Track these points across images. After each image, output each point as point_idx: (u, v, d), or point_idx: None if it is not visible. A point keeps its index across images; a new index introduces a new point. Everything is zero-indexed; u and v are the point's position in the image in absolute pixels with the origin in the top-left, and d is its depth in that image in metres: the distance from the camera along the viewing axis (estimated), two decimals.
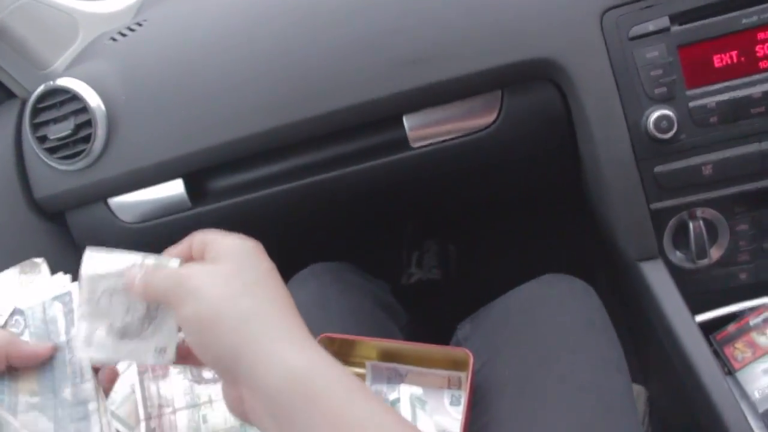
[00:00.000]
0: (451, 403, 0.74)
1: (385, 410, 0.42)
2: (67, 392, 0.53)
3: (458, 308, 0.95)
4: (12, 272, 0.58)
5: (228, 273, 0.46)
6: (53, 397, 0.53)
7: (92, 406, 0.53)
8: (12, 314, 0.55)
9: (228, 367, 0.45)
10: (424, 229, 1.57)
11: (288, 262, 0.79)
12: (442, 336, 0.88)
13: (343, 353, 0.78)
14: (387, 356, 0.77)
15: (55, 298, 0.55)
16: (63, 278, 0.57)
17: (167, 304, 0.48)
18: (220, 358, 0.45)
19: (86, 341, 0.49)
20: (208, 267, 0.47)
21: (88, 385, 0.53)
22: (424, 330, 0.95)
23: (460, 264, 1.57)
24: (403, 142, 0.89)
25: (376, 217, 1.20)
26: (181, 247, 0.51)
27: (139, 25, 1.06)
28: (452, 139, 0.88)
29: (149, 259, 0.50)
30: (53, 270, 0.59)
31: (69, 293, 0.56)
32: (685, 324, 0.77)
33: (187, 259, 0.51)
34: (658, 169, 0.79)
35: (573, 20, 0.80)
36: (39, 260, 0.59)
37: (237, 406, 0.46)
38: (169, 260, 0.50)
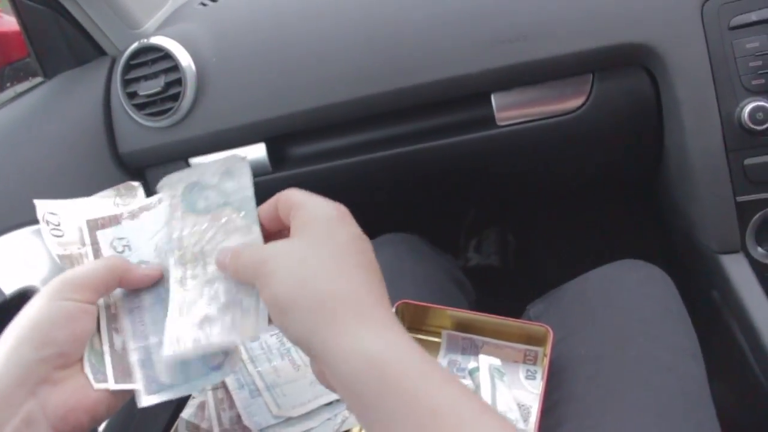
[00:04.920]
0: (527, 378, 0.74)
1: (463, 396, 0.41)
2: None
3: (516, 293, 0.96)
4: (108, 193, 0.59)
5: (306, 250, 0.46)
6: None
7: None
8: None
9: (307, 348, 0.45)
10: (484, 217, 1.58)
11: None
12: (509, 315, 0.88)
13: (418, 320, 0.78)
14: (462, 326, 0.77)
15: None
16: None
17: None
18: (298, 339, 0.45)
19: (175, 339, 0.50)
20: (287, 246, 0.47)
21: None
22: (491, 308, 0.95)
23: (518, 253, 1.57)
24: (489, 120, 0.90)
25: (445, 197, 1.21)
26: (268, 206, 0.52)
27: None
28: (538, 120, 0.88)
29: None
30: None
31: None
32: (767, 319, 0.76)
33: (274, 219, 0.52)
34: (748, 161, 0.79)
35: (674, 7, 0.79)
36: (136, 184, 0.60)
37: (321, 379, 0.47)
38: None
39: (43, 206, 0.56)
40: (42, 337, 0.46)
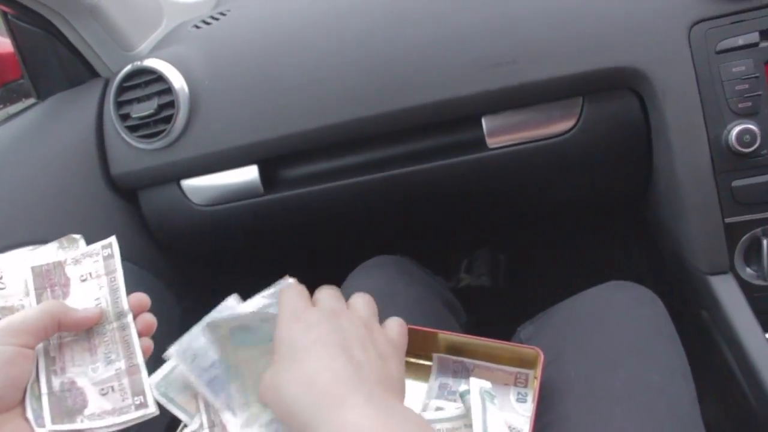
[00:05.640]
0: (518, 401, 0.74)
1: None
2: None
3: (507, 314, 0.96)
4: (51, 247, 0.60)
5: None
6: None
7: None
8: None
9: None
10: (475, 238, 1.58)
11: (346, 253, 0.80)
12: (499, 337, 0.88)
13: (409, 344, 0.78)
14: (454, 350, 0.77)
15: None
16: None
17: None
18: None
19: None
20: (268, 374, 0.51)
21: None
22: (482, 330, 0.95)
23: (509, 273, 1.57)
24: (479, 143, 0.90)
25: (435, 218, 1.21)
26: None
27: (223, 14, 1.09)
28: (529, 142, 0.89)
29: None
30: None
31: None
32: (757, 340, 0.77)
33: None
34: (736, 183, 0.79)
35: (661, 31, 0.80)
36: (77, 236, 0.61)
37: None
38: None
39: None
40: None
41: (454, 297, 1.03)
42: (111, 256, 0.57)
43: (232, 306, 0.59)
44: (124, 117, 0.97)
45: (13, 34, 1.06)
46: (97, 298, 0.56)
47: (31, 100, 1.13)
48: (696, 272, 0.84)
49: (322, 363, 0.48)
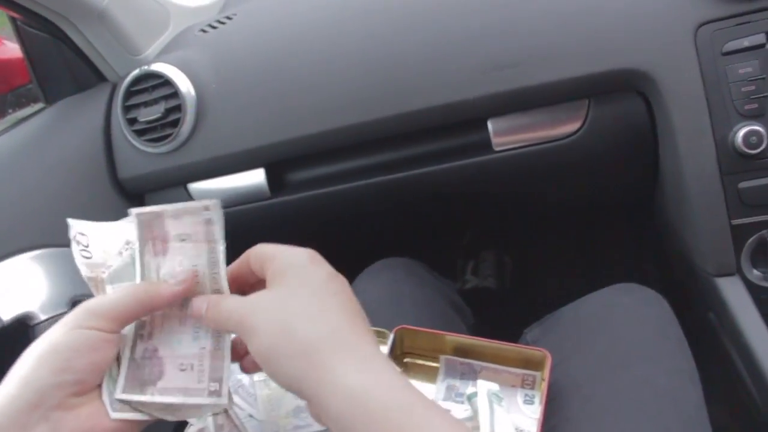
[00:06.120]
0: (525, 402, 0.74)
1: (447, 425, 0.42)
2: None
3: (513, 316, 0.96)
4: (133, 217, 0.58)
5: (284, 299, 0.48)
6: None
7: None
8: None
9: (297, 392, 0.47)
10: (481, 240, 1.58)
11: (353, 256, 0.80)
12: (506, 339, 0.88)
13: (417, 346, 0.78)
14: (461, 351, 0.77)
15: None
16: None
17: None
18: (289, 386, 0.47)
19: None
20: (265, 298, 0.49)
21: None
22: (489, 332, 0.95)
23: (515, 275, 1.57)
24: (485, 145, 0.90)
25: (441, 220, 1.22)
26: (240, 263, 0.54)
27: (229, 18, 1.09)
28: (535, 144, 0.89)
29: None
30: None
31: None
32: (764, 342, 0.77)
33: (246, 275, 0.53)
34: (742, 184, 0.79)
35: (667, 33, 0.80)
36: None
37: (318, 420, 0.48)
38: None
39: (75, 226, 0.55)
40: (61, 363, 0.46)
41: (461, 299, 1.03)
42: (211, 221, 0.52)
43: None
44: (132, 121, 0.97)
45: (22, 39, 1.07)
46: (195, 265, 0.52)
47: (40, 105, 1.13)
48: (703, 274, 0.84)
49: None
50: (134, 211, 0.53)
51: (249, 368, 0.54)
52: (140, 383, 0.51)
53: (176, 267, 0.53)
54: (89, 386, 0.49)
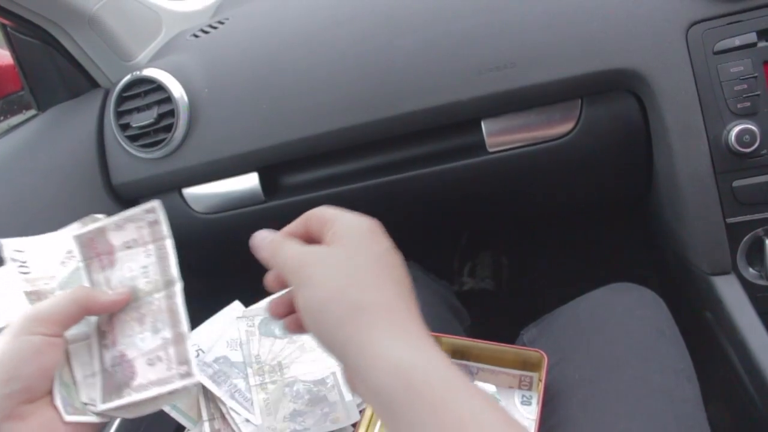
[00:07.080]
0: (522, 403, 0.74)
1: (488, 407, 0.41)
2: None
3: (510, 317, 0.96)
4: (74, 227, 0.59)
5: (341, 259, 0.46)
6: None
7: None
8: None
9: (338, 356, 0.45)
10: (478, 241, 1.58)
11: None
12: (503, 340, 0.88)
13: None
14: (457, 353, 0.78)
15: None
16: None
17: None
18: (329, 347, 0.45)
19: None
20: (324, 252, 0.47)
21: None
22: (486, 334, 0.95)
23: (512, 276, 1.57)
24: (479, 147, 0.90)
25: (437, 222, 1.21)
26: (297, 225, 0.52)
27: (221, 23, 1.09)
28: (529, 145, 0.89)
29: None
30: None
31: None
32: (761, 341, 0.77)
33: (303, 237, 0.51)
34: (736, 183, 0.79)
35: (658, 33, 0.80)
36: (100, 216, 0.60)
37: (351, 387, 0.47)
38: None
39: (9, 245, 0.57)
40: (7, 373, 0.46)
41: (458, 301, 1.03)
42: (157, 222, 0.55)
43: (237, 308, 0.59)
44: (125, 127, 0.97)
45: (13, 46, 1.06)
46: (145, 267, 0.55)
47: (32, 112, 1.13)
48: (699, 273, 0.84)
49: None
50: (73, 233, 0.55)
51: (291, 327, 0.53)
52: (116, 389, 0.52)
53: (125, 274, 0.55)
54: (39, 393, 0.49)
